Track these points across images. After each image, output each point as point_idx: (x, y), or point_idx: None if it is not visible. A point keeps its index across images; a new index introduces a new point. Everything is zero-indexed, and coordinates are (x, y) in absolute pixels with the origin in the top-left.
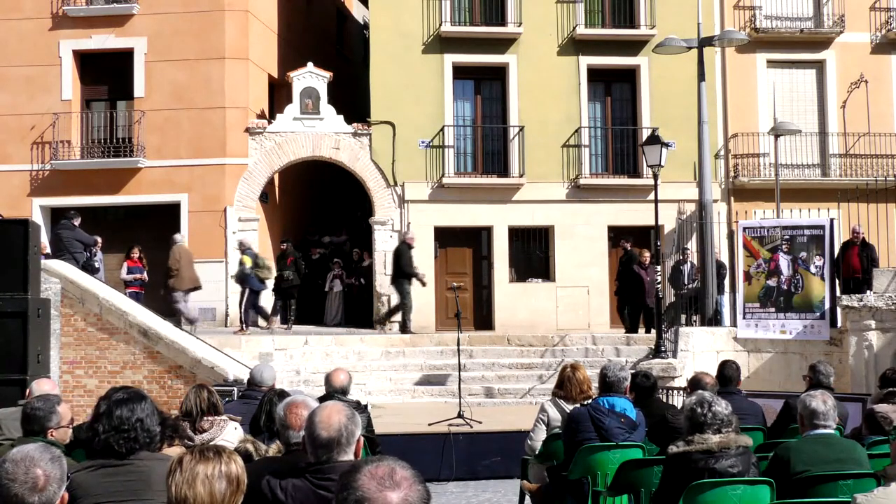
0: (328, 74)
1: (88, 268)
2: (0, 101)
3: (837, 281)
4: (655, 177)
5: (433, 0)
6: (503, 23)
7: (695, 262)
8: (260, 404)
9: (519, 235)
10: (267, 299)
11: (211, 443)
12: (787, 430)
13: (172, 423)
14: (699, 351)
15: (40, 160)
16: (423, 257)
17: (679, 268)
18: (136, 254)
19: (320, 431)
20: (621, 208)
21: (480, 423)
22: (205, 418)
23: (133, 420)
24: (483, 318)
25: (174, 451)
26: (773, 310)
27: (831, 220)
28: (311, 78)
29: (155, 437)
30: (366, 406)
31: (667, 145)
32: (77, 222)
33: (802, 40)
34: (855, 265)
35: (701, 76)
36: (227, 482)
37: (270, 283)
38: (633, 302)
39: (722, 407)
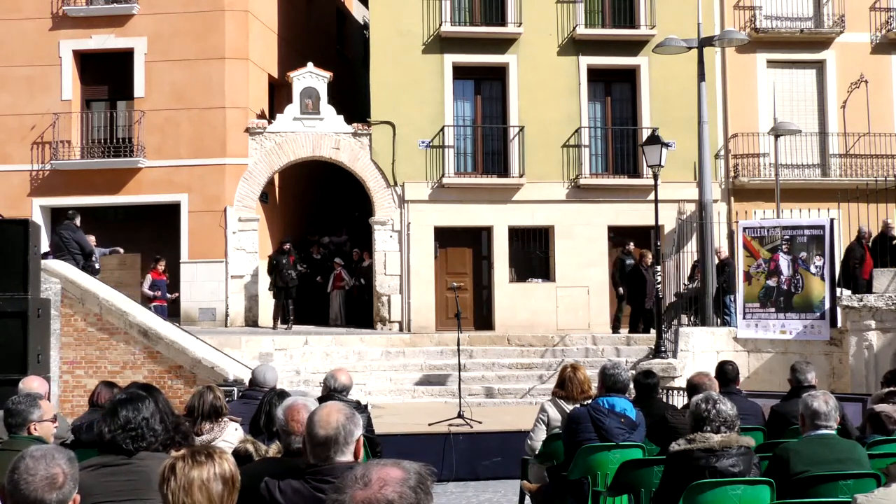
0: (328, 74)
1: (88, 268)
2: (0, 101)
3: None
4: (655, 177)
5: (433, 0)
6: (503, 23)
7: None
8: (260, 405)
9: (519, 235)
10: (267, 299)
11: (209, 444)
12: (784, 433)
13: (185, 431)
14: (699, 351)
15: (40, 160)
16: (423, 257)
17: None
18: (161, 266)
19: (318, 430)
20: (621, 208)
21: (480, 423)
22: (204, 423)
23: (139, 419)
24: (483, 318)
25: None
26: (773, 310)
27: (831, 220)
28: (311, 78)
29: (159, 436)
30: (366, 406)
31: (667, 145)
32: (77, 222)
33: (802, 40)
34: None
35: (701, 76)
36: (222, 484)
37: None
38: (633, 302)
39: (727, 406)
